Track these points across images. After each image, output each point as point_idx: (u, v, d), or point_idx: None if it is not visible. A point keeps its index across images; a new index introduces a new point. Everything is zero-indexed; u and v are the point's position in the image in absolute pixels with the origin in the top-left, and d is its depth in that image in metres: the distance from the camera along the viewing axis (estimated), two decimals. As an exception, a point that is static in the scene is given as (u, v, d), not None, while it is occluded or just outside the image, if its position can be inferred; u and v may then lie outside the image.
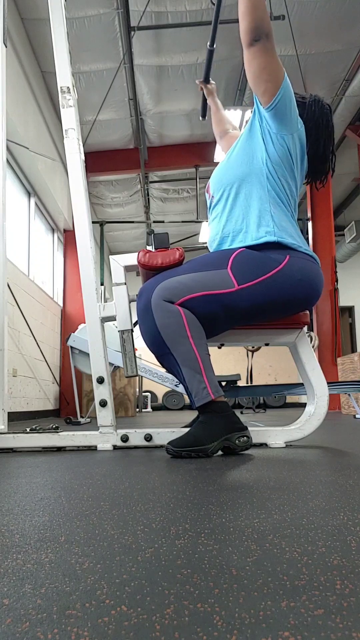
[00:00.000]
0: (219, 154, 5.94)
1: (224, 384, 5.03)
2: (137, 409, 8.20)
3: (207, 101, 2.19)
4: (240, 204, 1.62)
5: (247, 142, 1.64)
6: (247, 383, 6.14)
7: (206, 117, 2.33)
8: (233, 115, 5.82)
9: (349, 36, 5.52)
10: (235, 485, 0.95)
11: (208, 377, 1.48)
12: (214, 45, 2.10)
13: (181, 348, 1.48)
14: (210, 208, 1.75)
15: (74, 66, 5.67)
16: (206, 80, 2.15)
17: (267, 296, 1.53)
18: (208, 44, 2.12)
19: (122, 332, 1.78)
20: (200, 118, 2.33)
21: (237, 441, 1.47)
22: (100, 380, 1.76)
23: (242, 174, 1.62)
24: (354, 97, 6.61)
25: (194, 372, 1.48)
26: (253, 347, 5.52)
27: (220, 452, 1.53)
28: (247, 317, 1.57)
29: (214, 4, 1.97)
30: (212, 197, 1.72)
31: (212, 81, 2.17)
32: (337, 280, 7.66)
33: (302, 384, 4.34)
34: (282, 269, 1.53)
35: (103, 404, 1.75)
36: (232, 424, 1.48)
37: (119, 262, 1.81)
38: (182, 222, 8.59)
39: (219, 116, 2.15)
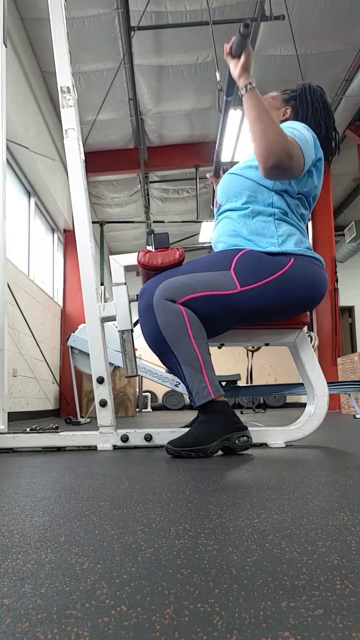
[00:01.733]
0: (226, 154, 5.92)
1: (224, 384, 5.03)
2: (137, 409, 8.20)
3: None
4: (245, 214, 1.60)
5: None
6: (247, 383, 6.14)
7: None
8: (233, 115, 5.81)
9: (349, 36, 5.52)
10: (235, 485, 0.95)
11: (209, 377, 1.48)
12: (223, 137, 2.12)
13: (182, 347, 1.48)
14: (216, 215, 1.75)
15: (74, 66, 5.67)
16: (216, 175, 2.17)
17: (269, 299, 1.52)
18: (216, 146, 2.13)
19: (122, 332, 1.78)
20: (212, 207, 2.35)
21: (237, 441, 1.47)
22: (100, 380, 1.76)
23: (250, 185, 1.60)
24: (354, 97, 6.61)
25: (195, 371, 1.48)
26: (253, 347, 5.52)
27: (220, 452, 1.53)
28: (248, 319, 1.57)
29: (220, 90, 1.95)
30: (220, 205, 1.71)
31: (222, 175, 2.18)
32: (337, 280, 7.66)
33: (302, 384, 4.34)
34: (286, 272, 1.52)
35: (103, 404, 1.75)
36: (232, 424, 1.48)
37: (119, 262, 1.81)
38: (182, 222, 8.59)
39: None
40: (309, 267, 1.55)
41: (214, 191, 2.21)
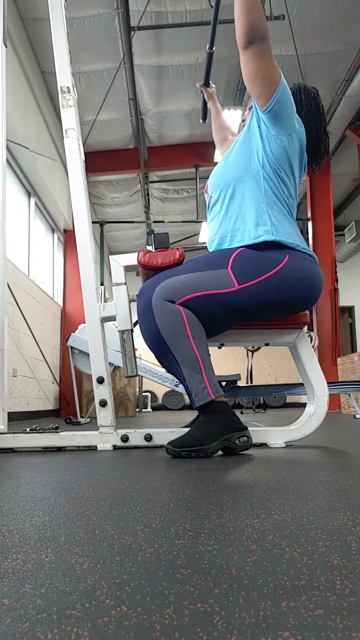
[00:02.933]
0: (219, 156, 5.95)
1: (224, 384, 5.03)
2: (137, 409, 8.20)
3: (208, 104, 2.19)
4: (238, 204, 1.62)
5: (244, 143, 1.64)
6: (247, 383, 6.14)
7: (207, 120, 2.33)
8: (233, 116, 5.82)
9: (349, 36, 5.52)
10: (235, 485, 0.95)
11: (208, 377, 1.48)
12: (214, 48, 2.10)
13: (181, 348, 1.48)
14: (208, 208, 1.76)
15: (74, 66, 5.67)
16: (206, 84, 2.15)
17: (267, 296, 1.53)
18: (207, 46, 2.12)
19: (122, 332, 1.78)
20: (201, 121, 2.34)
21: (237, 441, 1.47)
22: (100, 380, 1.76)
23: (239, 174, 1.62)
24: (354, 97, 6.61)
25: (194, 372, 1.48)
26: (253, 347, 5.52)
27: (220, 452, 1.53)
28: (247, 317, 1.57)
29: (212, 6, 1.96)
30: (211, 197, 1.72)
31: (212, 84, 2.17)
32: (337, 280, 7.66)
33: (302, 384, 4.34)
34: (282, 269, 1.53)
35: (103, 404, 1.75)
36: (232, 424, 1.48)
37: (119, 262, 1.81)
38: (182, 222, 8.59)
39: (219, 122, 2.16)
40: (304, 263, 1.57)
41: (204, 102, 2.21)
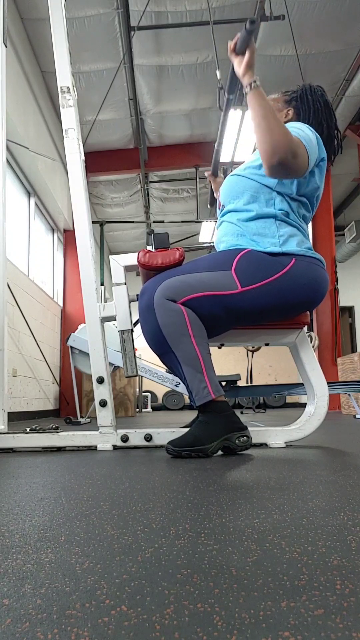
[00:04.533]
0: (219, 154, 5.94)
1: (224, 384, 5.03)
2: (137, 409, 8.20)
3: (215, 194, 2.20)
4: (247, 215, 1.60)
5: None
6: (247, 383, 6.14)
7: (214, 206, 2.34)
8: (233, 115, 5.80)
9: (349, 36, 5.52)
10: (235, 485, 0.95)
11: (209, 377, 1.48)
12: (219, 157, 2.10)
13: (183, 347, 1.48)
14: (219, 215, 1.75)
15: (74, 66, 5.67)
16: (215, 174, 2.16)
17: (270, 299, 1.52)
18: (215, 145, 2.11)
19: (122, 332, 1.78)
20: (209, 206, 2.34)
21: (237, 441, 1.47)
22: (100, 380, 1.76)
23: (252, 185, 1.60)
24: (354, 97, 6.61)
25: (195, 371, 1.48)
26: (253, 347, 5.52)
27: (220, 452, 1.53)
28: (249, 319, 1.57)
29: (220, 109, 1.94)
30: (223, 206, 1.71)
31: (221, 175, 2.18)
32: (337, 280, 7.66)
33: (302, 384, 4.34)
34: (287, 273, 1.52)
35: (103, 404, 1.75)
36: (232, 424, 1.48)
37: (119, 262, 1.81)
38: (182, 222, 8.59)
39: None
40: (311, 267, 1.55)
41: (212, 190, 2.21)
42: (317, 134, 1.60)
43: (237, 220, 1.62)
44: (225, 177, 2.01)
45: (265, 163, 1.46)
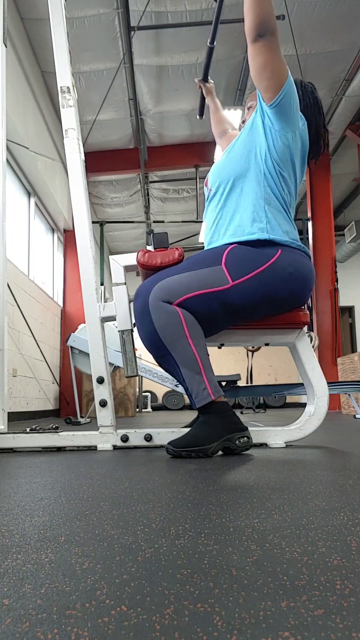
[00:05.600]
0: (219, 154, 5.95)
1: (224, 384, 5.02)
2: (137, 409, 8.20)
3: (206, 100, 2.19)
4: (236, 198, 1.63)
5: (247, 138, 1.64)
6: (247, 383, 6.13)
7: (204, 117, 2.32)
8: (233, 116, 5.82)
9: (349, 36, 5.52)
10: (235, 485, 0.95)
11: (208, 378, 1.48)
12: (214, 43, 2.09)
13: (180, 349, 1.48)
14: (207, 201, 1.76)
15: (74, 66, 5.67)
16: (205, 79, 2.14)
17: (260, 290, 1.53)
18: (208, 41, 2.10)
19: (122, 332, 1.78)
20: (198, 117, 2.32)
21: (237, 442, 1.47)
22: (100, 380, 1.76)
23: (240, 169, 1.63)
24: (354, 97, 6.61)
25: (194, 373, 1.48)
26: (253, 347, 5.51)
27: (220, 452, 1.53)
28: (243, 313, 1.57)
29: (216, 1, 1.95)
30: (210, 190, 1.73)
31: (210, 80, 2.17)
32: (337, 280, 7.66)
33: (302, 384, 4.34)
34: (274, 263, 1.54)
35: (103, 404, 1.75)
36: (233, 425, 1.48)
37: (118, 262, 1.81)
38: (182, 222, 8.58)
39: (218, 116, 2.15)
40: (296, 258, 1.57)
41: (202, 96, 2.20)
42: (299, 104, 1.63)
43: (225, 203, 1.64)
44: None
45: (250, 30, 1.49)
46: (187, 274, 1.53)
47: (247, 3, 1.48)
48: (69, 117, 1.92)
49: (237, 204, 1.62)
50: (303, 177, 1.72)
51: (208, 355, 1.51)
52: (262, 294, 1.54)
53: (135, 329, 1.93)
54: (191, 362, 1.48)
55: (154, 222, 8.76)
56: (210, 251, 1.59)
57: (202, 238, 1.92)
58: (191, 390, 1.49)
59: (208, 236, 1.68)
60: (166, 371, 1.59)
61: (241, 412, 6.24)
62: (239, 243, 1.57)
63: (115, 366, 4.28)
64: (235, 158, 1.65)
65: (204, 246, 1.76)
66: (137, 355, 3.84)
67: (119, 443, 1.73)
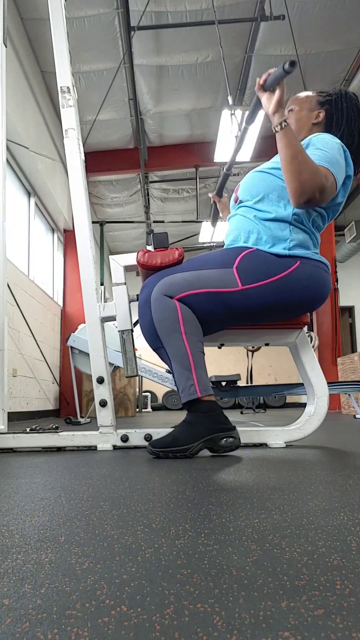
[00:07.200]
0: (219, 154, 5.93)
1: (224, 384, 5.02)
2: (137, 409, 8.20)
3: (219, 211, 2.20)
4: (264, 213, 1.59)
5: None
6: (247, 383, 6.13)
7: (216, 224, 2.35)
8: (237, 116, 5.80)
9: (349, 36, 5.52)
10: (235, 485, 0.95)
11: (197, 375, 1.46)
12: (231, 170, 2.11)
13: (173, 343, 1.47)
14: (233, 207, 1.73)
15: (74, 66, 5.67)
16: (219, 195, 2.17)
17: (270, 299, 1.52)
18: (225, 168, 2.11)
19: (122, 332, 1.78)
20: (211, 224, 2.35)
21: (221, 442, 1.45)
22: (100, 380, 1.76)
23: (274, 186, 1.59)
24: (354, 97, 6.60)
25: (183, 368, 1.46)
26: (253, 347, 5.51)
27: (209, 453, 1.52)
28: (247, 317, 1.57)
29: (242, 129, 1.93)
30: (240, 201, 1.69)
31: (224, 195, 2.18)
32: (337, 280, 7.66)
33: (302, 384, 4.34)
34: (290, 274, 1.51)
35: (103, 404, 1.75)
36: (217, 424, 1.45)
37: (118, 262, 1.81)
38: (182, 222, 8.58)
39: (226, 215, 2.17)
40: (315, 270, 1.54)
41: (215, 209, 2.20)
42: (344, 147, 1.57)
43: (255, 217, 1.60)
44: (229, 198, 2.02)
45: (293, 200, 1.46)
46: (196, 272, 1.53)
47: (285, 173, 1.46)
48: (69, 117, 1.92)
49: (265, 220, 1.58)
50: (344, 198, 1.65)
51: (203, 353, 1.50)
52: (271, 302, 1.52)
53: (136, 328, 1.93)
54: (182, 357, 1.46)
55: (154, 222, 8.76)
56: (224, 252, 1.57)
57: (225, 237, 1.93)
58: (179, 384, 1.47)
59: (229, 237, 1.66)
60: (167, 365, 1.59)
61: (241, 412, 6.24)
62: (257, 249, 1.55)
63: (115, 366, 4.27)
64: (273, 177, 1.60)
65: (204, 246, 1.75)
66: (137, 355, 3.84)
67: (119, 443, 1.73)
